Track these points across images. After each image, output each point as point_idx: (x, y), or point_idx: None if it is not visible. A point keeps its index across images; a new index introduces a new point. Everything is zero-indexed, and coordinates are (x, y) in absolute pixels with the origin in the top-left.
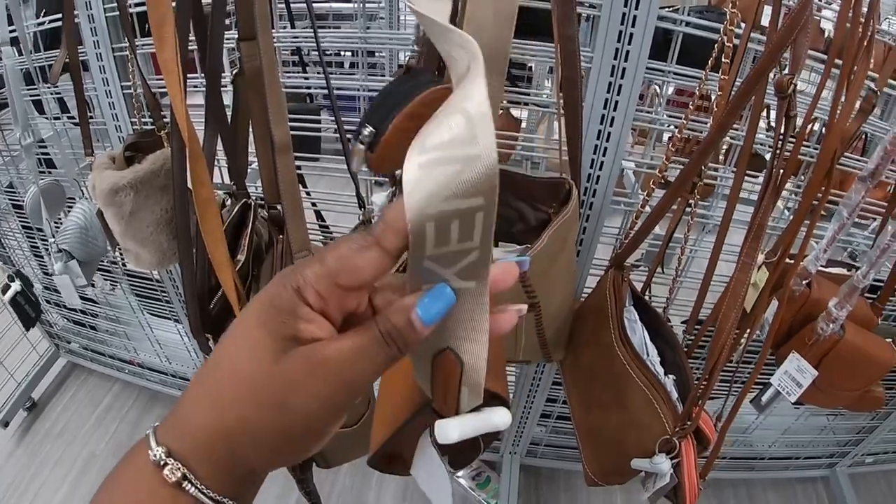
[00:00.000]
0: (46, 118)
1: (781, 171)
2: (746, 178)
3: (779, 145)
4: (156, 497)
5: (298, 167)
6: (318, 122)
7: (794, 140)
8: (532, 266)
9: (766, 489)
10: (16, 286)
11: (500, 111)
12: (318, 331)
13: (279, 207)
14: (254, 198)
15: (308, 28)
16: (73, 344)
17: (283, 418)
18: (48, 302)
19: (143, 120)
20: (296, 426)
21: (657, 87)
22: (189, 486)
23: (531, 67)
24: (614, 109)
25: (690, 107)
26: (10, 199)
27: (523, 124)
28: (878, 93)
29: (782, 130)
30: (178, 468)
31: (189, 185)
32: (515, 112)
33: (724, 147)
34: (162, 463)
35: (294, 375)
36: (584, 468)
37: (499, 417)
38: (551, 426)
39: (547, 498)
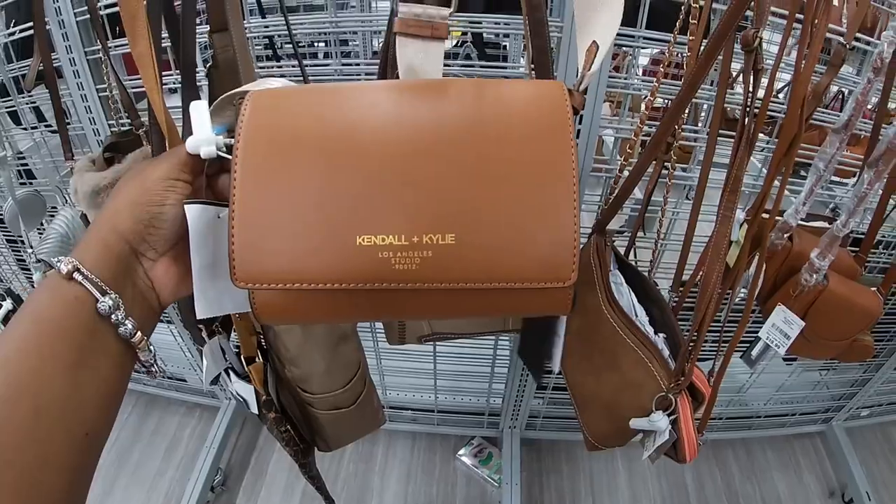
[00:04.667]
0: (24, 129)
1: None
2: (722, 139)
3: (748, 98)
4: (54, 293)
5: None
6: None
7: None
8: None
9: (764, 447)
10: (7, 305)
11: None
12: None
13: None
14: None
15: (279, 17)
16: None
17: (139, 183)
18: None
19: (120, 122)
20: (145, 186)
21: (631, 58)
22: (78, 275)
23: (506, 46)
24: None
25: (661, 70)
26: None
27: None
28: (846, 45)
29: (751, 84)
30: (70, 262)
31: None
32: None
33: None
34: (61, 267)
35: (157, 170)
36: (584, 433)
37: None
38: (548, 398)
39: (550, 469)
